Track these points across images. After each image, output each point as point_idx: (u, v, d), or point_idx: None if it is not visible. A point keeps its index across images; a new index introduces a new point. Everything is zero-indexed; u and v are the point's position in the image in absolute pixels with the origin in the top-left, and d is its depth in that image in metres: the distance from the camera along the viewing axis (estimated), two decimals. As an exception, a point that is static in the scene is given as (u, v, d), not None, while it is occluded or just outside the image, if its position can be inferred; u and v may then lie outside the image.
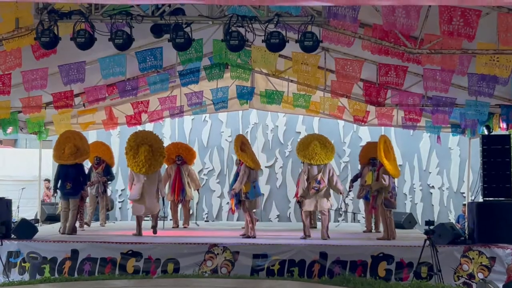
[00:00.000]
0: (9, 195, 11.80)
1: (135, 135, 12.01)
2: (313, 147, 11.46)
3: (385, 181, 11.20)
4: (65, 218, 11.76)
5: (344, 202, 14.70)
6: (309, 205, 11.45)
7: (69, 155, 11.78)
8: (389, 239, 11.13)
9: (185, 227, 13.83)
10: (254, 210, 11.71)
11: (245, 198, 11.17)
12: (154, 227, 11.86)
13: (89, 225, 13.41)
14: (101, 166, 13.63)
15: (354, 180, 13.43)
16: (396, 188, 11.54)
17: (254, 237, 11.08)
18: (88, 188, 12.90)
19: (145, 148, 11.65)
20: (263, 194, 15.69)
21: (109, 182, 14.08)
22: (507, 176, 11.00)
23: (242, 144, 11.56)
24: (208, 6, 8.51)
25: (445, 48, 8.29)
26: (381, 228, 12.00)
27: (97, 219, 14.13)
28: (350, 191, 13.61)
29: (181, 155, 13.80)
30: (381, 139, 11.66)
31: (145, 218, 12.65)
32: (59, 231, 11.78)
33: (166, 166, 13.94)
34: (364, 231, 13.05)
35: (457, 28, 7.48)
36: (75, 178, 11.86)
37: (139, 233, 11.64)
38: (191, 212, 15.22)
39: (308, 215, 11.66)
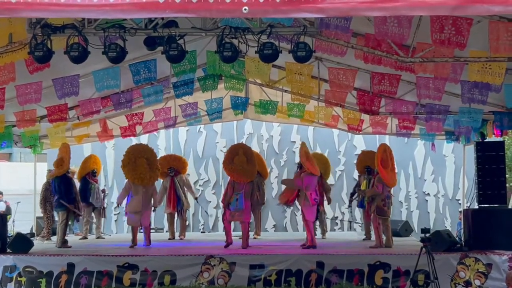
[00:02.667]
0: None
1: (133, 148, 12.15)
2: (312, 158, 11.49)
3: (377, 188, 11.21)
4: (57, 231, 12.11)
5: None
6: (312, 215, 11.30)
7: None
8: (381, 246, 11.12)
9: (181, 239, 13.81)
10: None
11: (227, 208, 11.38)
12: (148, 240, 12.02)
13: (86, 237, 13.55)
14: (97, 179, 13.80)
15: (353, 193, 13.53)
16: (390, 197, 11.49)
17: (244, 247, 11.12)
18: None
19: (143, 161, 11.86)
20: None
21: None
22: (502, 183, 11.02)
23: (232, 156, 11.54)
24: (201, 18, 8.53)
25: (437, 56, 8.33)
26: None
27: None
28: (350, 205, 13.77)
29: (173, 167, 13.85)
30: (381, 147, 11.64)
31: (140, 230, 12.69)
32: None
33: (162, 180, 14.02)
34: (364, 239, 12.99)
35: (448, 36, 7.52)
36: (57, 190, 12.02)
37: (134, 243, 11.71)
38: (187, 223, 15.19)
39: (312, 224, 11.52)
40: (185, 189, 13.99)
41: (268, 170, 15.91)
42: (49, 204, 12.81)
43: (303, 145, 11.76)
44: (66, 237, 12.00)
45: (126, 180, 12.03)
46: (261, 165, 14.02)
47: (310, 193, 11.14)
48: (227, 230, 11.47)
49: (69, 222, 12.69)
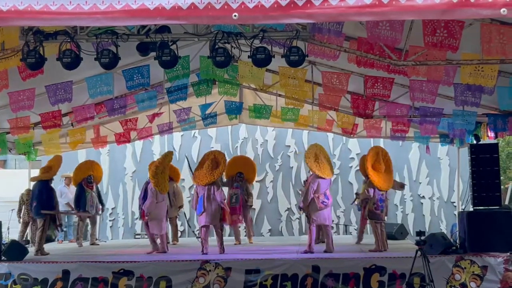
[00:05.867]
0: (-1, 217, 11.76)
1: (165, 156, 12.12)
2: (322, 160, 11.29)
3: (368, 192, 11.19)
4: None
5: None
6: (318, 219, 11.18)
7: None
8: (380, 250, 11.12)
9: (174, 244, 13.78)
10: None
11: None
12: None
13: (81, 245, 13.48)
14: (93, 185, 13.62)
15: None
16: (383, 200, 11.44)
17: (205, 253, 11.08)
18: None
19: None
20: (254, 209, 15.63)
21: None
22: (496, 185, 11.02)
23: (201, 163, 11.57)
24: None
25: (430, 59, 8.34)
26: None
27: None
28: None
29: None
30: (372, 151, 11.59)
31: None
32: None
33: None
34: (356, 243, 12.96)
35: (441, 39, 7.54)
36: (36, 196, 11.93)
37: (165, 249, 11.78)
38: (182, 229, 15.16)
39: (319, 228, 11.36)
40: (175, 197, 13.89)
41: (264, 175, 15.97)
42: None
43: (312, 146, 11.69)
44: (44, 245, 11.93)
45: (155, 190, 11.68)
46: (250, 170, 13.91)
47: (318, 196, 11.09)
48: (201, 237, 11.40)
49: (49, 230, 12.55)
